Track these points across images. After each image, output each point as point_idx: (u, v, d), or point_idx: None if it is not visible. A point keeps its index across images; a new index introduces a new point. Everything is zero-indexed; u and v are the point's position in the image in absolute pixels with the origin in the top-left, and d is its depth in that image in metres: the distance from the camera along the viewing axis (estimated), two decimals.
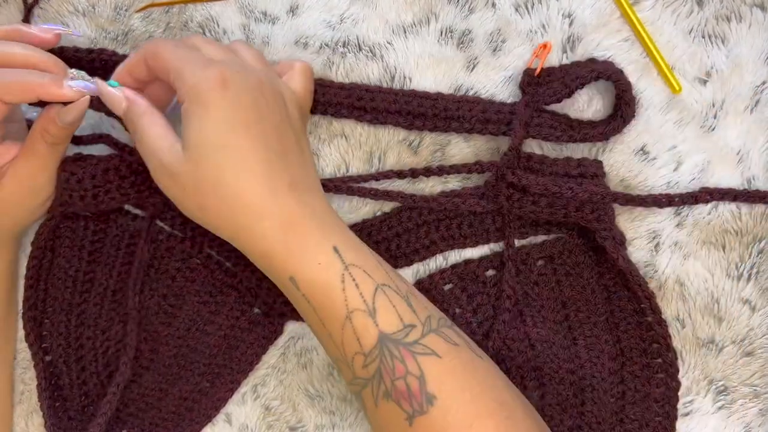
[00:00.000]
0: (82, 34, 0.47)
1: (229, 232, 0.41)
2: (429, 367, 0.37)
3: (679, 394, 0.46)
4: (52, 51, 0.46)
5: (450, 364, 0.38)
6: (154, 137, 0.41)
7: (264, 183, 0.39)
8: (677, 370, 0.45)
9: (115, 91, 0.42)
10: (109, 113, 0.46)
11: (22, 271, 0.51)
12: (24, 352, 0.52)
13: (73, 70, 0.43)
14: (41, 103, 0.45)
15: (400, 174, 0.47)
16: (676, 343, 0.47)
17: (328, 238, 0.39)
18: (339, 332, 0.39)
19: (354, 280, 0.39)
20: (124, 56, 0.46)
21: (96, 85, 0.42)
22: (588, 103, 0.47)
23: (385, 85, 0.48)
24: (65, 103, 0.43)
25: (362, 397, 0.40)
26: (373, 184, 0.48)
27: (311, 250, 0.39)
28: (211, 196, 0.40)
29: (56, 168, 0.46)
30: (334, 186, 0.47)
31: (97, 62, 0.48)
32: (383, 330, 0.38)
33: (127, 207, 0.50)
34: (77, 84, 0.42)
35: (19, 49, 0.42)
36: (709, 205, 0.47)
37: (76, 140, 0.49)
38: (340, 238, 0.40)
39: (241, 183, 0.39)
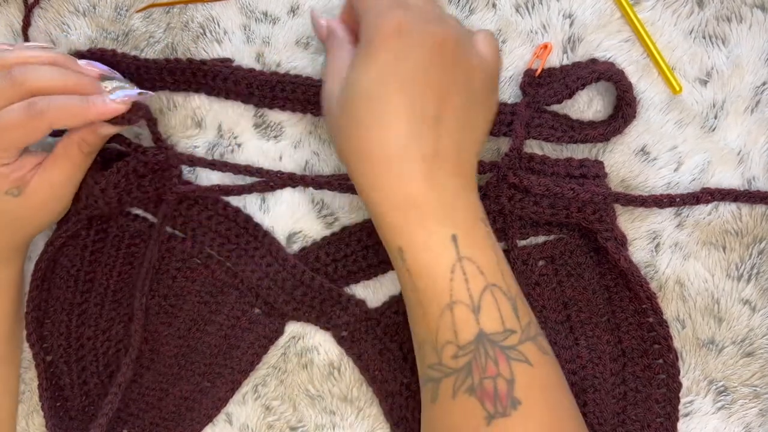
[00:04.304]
0: (147, 93, 0.47)
1: (358, 186, 0.40)
2: (520, 373, 0.37)
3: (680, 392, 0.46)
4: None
5: (539, 374, 0.38)
6: (335, 68, 0.41)
7: (397, 148, 0.37)
8: (678, 371, 0.45)
9: (321, 21, 0.44)
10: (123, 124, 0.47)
11: (28, 271, 0.51)
12: (24, 352, 0.52)
13: (107, 83, 0.45)
14: None
15: None
16: (676, 343, 0.47)
17: (450, 224, 0.38)
18: (435, 318, 0.38)
19: (464, 273, 0.37)
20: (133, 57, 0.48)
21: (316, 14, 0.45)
22: (588, 104, 0.47)
23: None
24: None
25: (439, 387, 0.38)
26: None
27: (427, 231, 0.38)
28: (348, 143, 0.39)
29: (83, 175, 0.47)
30: (338, 184, 0.47)
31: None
32: (483, 329, 0.37)
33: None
34: (119, 96, 0.43)
35: (57, 74, 0.43)
36: (710, 206, 0.47)
37: None
38: (465, 228, 0.38)
39: (374, 141, 0.38)
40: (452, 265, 0.37)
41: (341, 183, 0.47)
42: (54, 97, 0.42)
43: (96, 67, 0.46)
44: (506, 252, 0.47)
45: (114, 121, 0.44)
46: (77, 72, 0.44)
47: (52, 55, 0.44)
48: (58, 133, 0.47)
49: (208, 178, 0.50)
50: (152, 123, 0.47)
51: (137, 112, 0.45)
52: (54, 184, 0.45)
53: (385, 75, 0.38)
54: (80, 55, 0.48)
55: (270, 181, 0.48)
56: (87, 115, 0.42)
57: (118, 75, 0.47)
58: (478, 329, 0.37)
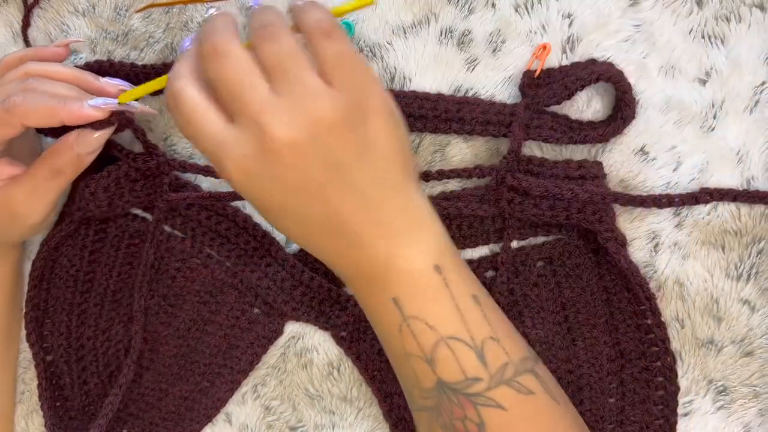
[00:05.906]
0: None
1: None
2: (490, 418, 0.36)
3: (678, 395, 0.46)
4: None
5: (517, 416, 0.37)
6: None
7: (329, 244, 0.38)
8: (676, 375, 0.45)
9: None
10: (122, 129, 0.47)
11: (26, 271, 0.51)
12: (24, 352, 0.53)
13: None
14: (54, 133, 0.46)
15: None
16: (676, 343, 0.47)
17: (389, 289, 0.38)
18: (401, 364, 0.39)
19: (412, 332, 0.37)
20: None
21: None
22: (587, 104, 0.47)
23: (384, 85, 0.48)
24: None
25: (419, 417, 0.39)
26: None
27: (372, 294, 0.39)
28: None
29: (51, 202, 0.45)
30: None
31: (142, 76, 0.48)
32: (442, 378, 0.37)
33: None
34: (97, 102, 0.42)
35: (65, 92, 0.42)
36: (709, 206, 0.47)
37: None
38: (409, 285, 0.37)
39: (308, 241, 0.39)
40: (399, 325, 0.38)
41: None
42: (31, 94, 0.41)
43: (117, 84, 0.45)
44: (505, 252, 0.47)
45: (95, 126, 0.43)
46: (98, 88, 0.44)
47: (75, 74, 0.44)
48: (56, 135, 0.47)
49: (206, 178, 0.50)
50: (140, 133, 0.46)
51: (111, 120, 0.43)
52: (11, 202, 0.43)
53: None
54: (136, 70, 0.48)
55: None
56: (59, 115, 0.41)
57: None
58: (436, 378, 0.37)
